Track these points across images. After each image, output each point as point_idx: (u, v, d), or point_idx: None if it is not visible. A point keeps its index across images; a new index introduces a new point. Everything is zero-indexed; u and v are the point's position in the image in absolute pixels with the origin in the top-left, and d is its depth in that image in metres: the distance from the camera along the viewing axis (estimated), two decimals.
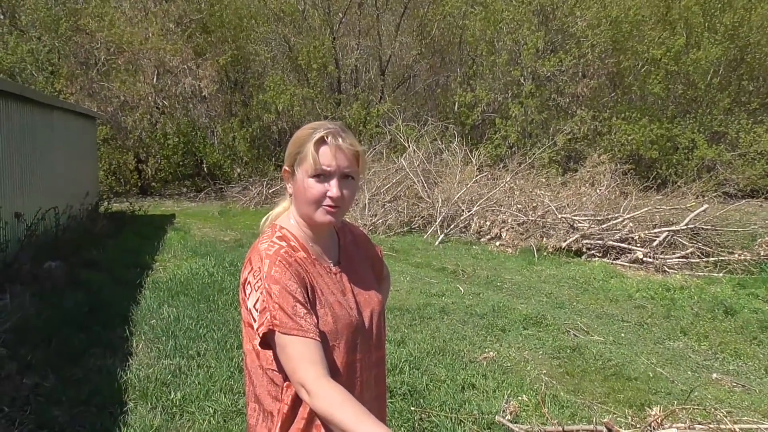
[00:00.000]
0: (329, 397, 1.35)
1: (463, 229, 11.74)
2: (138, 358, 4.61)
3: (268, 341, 1.44)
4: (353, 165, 1.51)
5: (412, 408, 3.91)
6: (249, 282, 1.47)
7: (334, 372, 1.45)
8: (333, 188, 1.49)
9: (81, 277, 6.82)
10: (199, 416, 3.72)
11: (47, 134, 8.79)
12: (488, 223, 11.54)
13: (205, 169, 19.44)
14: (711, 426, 3.18)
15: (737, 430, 3.09)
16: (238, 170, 19.08)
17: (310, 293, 1.47)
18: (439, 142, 15.11)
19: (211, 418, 3.69)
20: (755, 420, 3.48)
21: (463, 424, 3.73)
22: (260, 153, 19.64)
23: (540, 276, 8.46)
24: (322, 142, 1.49)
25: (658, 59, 19.51)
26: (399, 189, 13.13)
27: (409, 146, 14.24)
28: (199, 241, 9.92)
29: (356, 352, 1.54)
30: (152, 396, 3.95)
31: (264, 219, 1.68)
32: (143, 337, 5.03)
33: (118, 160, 17.96)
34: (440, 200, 12.19)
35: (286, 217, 1.61)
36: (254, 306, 1.44)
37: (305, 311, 1.43)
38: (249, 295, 1.46)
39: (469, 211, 11.80)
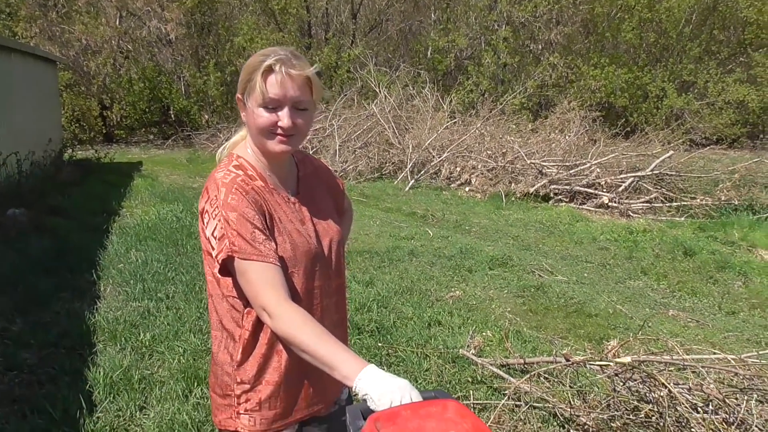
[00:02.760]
0: (291, 319, 1.37)
1: (434, 175, 11.80)
2: (106, 302, 4.61)
3: (227, 268, 1.45)
4: (305, 93, 1.48)
5: (380, 344, 4.01)
6: (206, 211, 1.47)
7: (294, 298, 1.46)
8: (284, 118, 1.46)
9: (46, 223, 6.72)
10: (169, 356, 3.77)
11: (5, 78, 8.49)
12: (458, 168, 11.61)
13: (173, 115, 19.01)
14: (664, 356, 3.33)
15: (688, 359, 3.23)
16: (207, 116, 18.71)
17: (268, 220, 1.48)
18: (411, 88, 14.98)
19: (181, 357, 3.74)
20: (706, 350, 3.64)
21: (428, 359, 3.85)
22: (230, 98, 19.26)
23: (507, 220, 8.58)
24: (270, 70, 1.44)
25: (632, 6, 19.43)
26: (370, 135, 13.06)
27: (380, 92, 14.10)
28: (167, 188, 9.81)
29: (315, 280, 1.56)
30: (121, 337, 3.97)
31: (221, 148, 1.66)
32: (111, 281, 5.02)
33: (81, 106, 17.44)
34: (411, 146, 12.18)
35: (243, 147, 1.59)
36: (212, 234, 1.44)
37: (264, 237, 1.43)
38: (207, 223, 1.46)
39: (439, 157, 11.84)
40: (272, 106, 1.46)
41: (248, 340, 1.50)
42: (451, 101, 14.55)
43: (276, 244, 1.47)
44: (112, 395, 3.26)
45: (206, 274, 1.56)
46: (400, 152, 12.41)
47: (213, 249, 1.44)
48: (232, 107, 18.52)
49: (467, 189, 10.89)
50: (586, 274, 6.10)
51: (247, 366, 1.51)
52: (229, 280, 1.49)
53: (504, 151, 11.58)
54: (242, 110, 1.53)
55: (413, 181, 11.22)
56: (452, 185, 11.29)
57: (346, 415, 1.35)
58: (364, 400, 1.33)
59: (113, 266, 5.38)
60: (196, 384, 3.41)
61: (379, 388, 1.30)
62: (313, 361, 1.37)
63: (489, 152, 11.71)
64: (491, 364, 3.71)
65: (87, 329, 4.11)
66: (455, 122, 13.41)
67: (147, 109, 18.75)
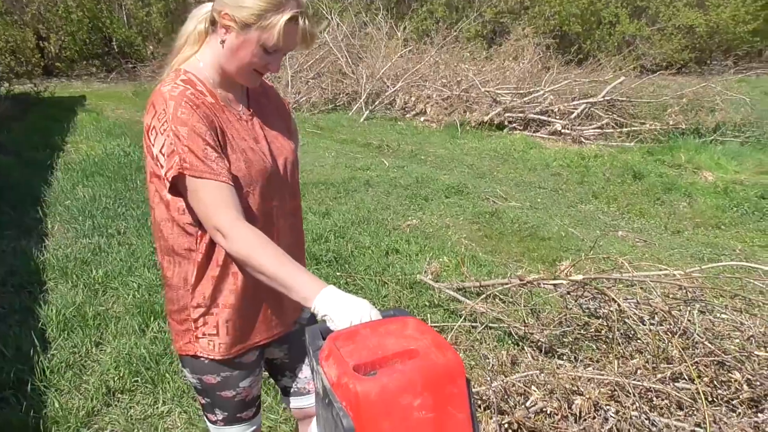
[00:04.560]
0: (247, 240, 1.34)
1: (389, 106, 11.66)
2: (54, 239, 4.48)
3: (177, 188, 1.38)
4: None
5: (338, 273, 4.03)
6: (153, 127, 1.37)
7: (251, 218, 1.42)
8: (276, 64, 1.44)
9: None
10: (123, 291, 3.71)
11: None
12: (413, 98, 11.48)
13: (115, 47, 18.07)
14: (613, 273, 3.44)
15: (636, 275, 3.35)
16: (152, 48, 17.84)
17: (220, 137, 1.40)
18: (364, 15, 14.57)
19: (136, 293, 3.69)
20: (653, 267, 3.79)
21: (387, 285, 3.89)
22: (176, 28, 18.35)
23: (463, 149, 8.60)
24: (295, 21, 1.37)
25: None
26: (322, 65, 12.73)
27: (332, 19, 13.67)
28: (113, 122, 9.43)
29: (271, 199, 1.51)
30: (72, 274, 3.88)
31: (168, 68, 1.55)
32: (58, 218, 4.86)
33: (15, 37, 16.37)
34: (365, 76, 11.94)
35: (194, 61, 1.49)
36: (161, 151, 1.36)
37: (216, 155, 1.37)
38: (154, 140, 1.37)
39: (394, 87, 11.66)
40: (273, 51, 1.40)
41: (201, 263, 1.46)
42: (405, 29, 14.23)
43: (229, 163, 1.40)
44: (66, 332, 3.21)
45: (151, 199, 1.48)
46: (354, 82, 12.17)
47: (162, 167, 1.36)
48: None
49: (422, 119, 10.82)
50: (539, 200, 6.21)
51: (202, 289, 1.48)
52: (180, 202, 1.42)
53: (459, 79, 11.48)
54: (228, 30, 1.40)
55: (368, 111, 11.07)
56: (407, 115, 11.19)
57: (306, 335, 1.35)
58: (324, 321, 1.33)
59: (59, 203, 5.20)
60: (152, 318, 3.38)
61: (339, 307, 1.29)
62: (271, 283, 1.35)
63: (444, 81, 11.59)
64: (448, 288, 3.78)
65: (36, 267, 3.99)
66: (409, 51, 13.17)
67: (87, 40, 17.71)
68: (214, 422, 1.64)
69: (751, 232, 5.51)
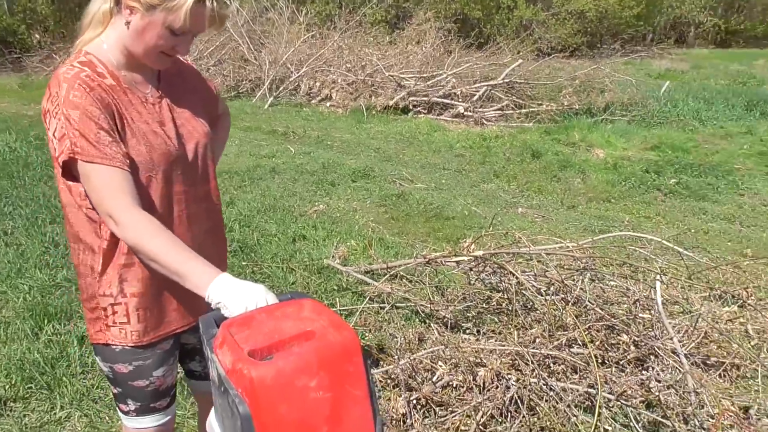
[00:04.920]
0: (139, 227, 1.31)
1: (293, 92, 11.51)
2: None
3: (72, 172, 1.35)
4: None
5: (244, 262, 3.97)
6: (48, 110, 1.34)
7: (149, 205, 1.40)
8: (184, 47, 1.40)
9: None
10: (13, 294, 3.49)
11: None
12: (318, 84, 11.39)
13: None
14: (512, 248, 3.59)
15: (533, 249, 3.51)
16: (38, 36, 16.67)
17: (117, 122, 1.36)
18: (264, 0, 14.27)
19: (27, 295, 3.48)
20: (550, 240, 3.98)
21: (294, 272, 3.88)
22: (63, 16, 17.23)
23: (369, 133, 8.65)
24: (202, 2, 1.33)
25: None
26: (223, 52, 12.39)
27: (231, 4, 13.27)
28: None
29: (176, 185, 1.48)
30: None
31: (74, 49, 1.48)
32: None
33: None
34: (268, 62, 11.72)
35: (97, 43, 1.43)
36: (54, 134, 1.32)
37: (111, 139, 1.33)
38: (49, 124, 1.33)
39: (297, 73, 11.53)
40: (180, 33, 1.36)
41: (107, 252, 1.43)
42: (307, 14, 14.07)
43: (128, 147, 1.37)
44: None
45: (58, 182, 1.43)
46: (257, 69, 11.91)
47: (55, 151, 1.33)
48: (66, 25, 16.63)
49: (328, 104, 10.77)
50: (443, 181, 6.35)
51: (108, 277, 1.45)
52: (81, 187, 1.38)
53: (363, 64, 11.49)
54: (133, 11, 1.35)
55: (272, 98, 10.89)
56: (313, 101, 11.09)
57: (199, 324, 1.33)
58: (218, 309, 1.31)
59: None
60: (46, 321, 3.20)
61: (232, 294, 1.28)
62: (163, 271, 1.33)
63: (348, 66, 11.57)
64: (356, 271, 3.81)
65: None
66: (312, 36, 13.04)
67: None
68: (126, 413, 1.60)
69: (637, 205, 5.89)
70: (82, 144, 1.30)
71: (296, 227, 4.63)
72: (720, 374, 2.99)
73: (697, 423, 2.58)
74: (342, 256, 4.08)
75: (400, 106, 10.30)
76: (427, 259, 3.44)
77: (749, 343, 3.28)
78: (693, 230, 5.25)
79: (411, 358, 2.71)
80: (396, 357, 2.78)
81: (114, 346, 1.50)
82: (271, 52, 12.01)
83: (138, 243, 1.32)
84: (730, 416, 2.63)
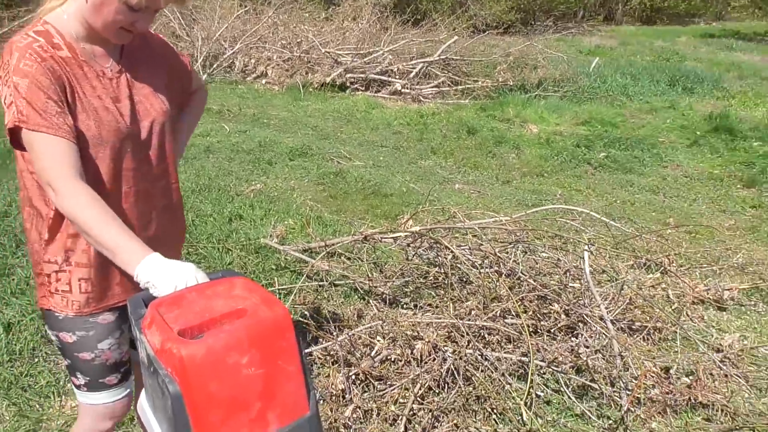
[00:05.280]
0: (75, 198, 1.31)
1: (228, 69, 11.22)
2: None
3: (20, 141, 1.34)
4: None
5: None
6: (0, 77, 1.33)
7: (95, 179, 1.40)
8: (143, 23, 1.38)
9: None
10: None
11: None
12: (253, 60, 11.15)
13: None
14: (448, 223, 3.65)
15: (468, 223, 3.58)
16: None
17: (68, 95, 1.35)
18: None
19: None
20: (485, 213, 4.07)
21: (231, 252, 3.83)
22: None
23: (306, 111, 8.56)
24: None
25: None
26: (154, 28, 11.92)
27: None
28: None
29: (126, 161, 1.47)
30: None
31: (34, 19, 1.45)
32: None
33: None
34: (200, 38, 11.37)
35: (58, 13, 1.40)
36: (3, 101, 1.32)
37: (58, 110, 1.31)
38: (0, 91, 1.33)
39: (232, 50, 11.25)
40: (138, 9, 1.33)
41: (54, 220, 1.43)
42: None
43: (77, 121, 1.36)
44: None
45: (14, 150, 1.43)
46: (189, 45, 11.54)
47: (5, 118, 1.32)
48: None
49: (264, 81, 10.57)
50: (381, 158, 6.37)
51: (54, 246, 1.46)
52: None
53: (299, 41, 11.31)
54: None
55: (206, 75, 10.59)
56: (248, 78, 10.86)
57: (128, 305, 1.31)
58: (147, 289, 1.29)
59: None
60: None
61: (161, 273, 1.27)
62: (95, 245, 1.34)
63: (284, 43, 11.37)
64: (294, 250, 3.80)
65: None
66: (246, 11, 12.72)
67: None
68: (78, 387, 1.60)
69: (568, 178, 6.08)
70: (29, 112, 1.29)
71: (232, 207, 4.56)
72: (644, 338, 3.15)
73: (622, 385, 2.72)
74: (280, 235, 4.06)
75: (337, 83, 10.22)
76: (364, 236, 3.46)
77: (670, 307, 3.46)
78: (620, 202, 5.46)
79: (349, 334, 2.74)
80: (335, 334, 2.79)
81: (57, 314, 1.51)
82: (203, 29, 11.65)
83: (72, 213, 1.31)
84: (652, 376, 2.78)
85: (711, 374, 2.93)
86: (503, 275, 3.18)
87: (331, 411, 2.55)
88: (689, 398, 2.76)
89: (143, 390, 1.31)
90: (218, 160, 5.81)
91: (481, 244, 3.45)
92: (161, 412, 1.19)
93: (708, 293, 3.68)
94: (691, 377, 2.90)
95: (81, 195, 1.31)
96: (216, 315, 1.21)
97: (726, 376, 2.96)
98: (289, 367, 1.23)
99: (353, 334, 2.75)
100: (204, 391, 1.11)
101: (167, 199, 1.62)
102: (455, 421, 2.46)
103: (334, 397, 2.62)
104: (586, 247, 3.27)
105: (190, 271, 1.30)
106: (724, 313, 3.63)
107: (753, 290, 3.85)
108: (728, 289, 3.71)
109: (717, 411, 2.73)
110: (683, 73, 11.56)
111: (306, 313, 3.26)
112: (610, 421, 2.62)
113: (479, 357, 2.73)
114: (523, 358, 2.77)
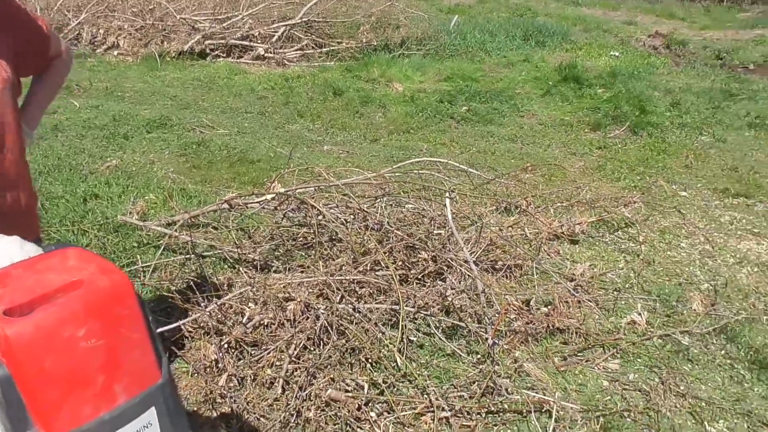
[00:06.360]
0: None
1: (74, 41, 10.35)
2: None
3: None
4: None
5: None
6: None
7: None
8: None
9: None
10: None
11: None
12: (102, 31, 10.37)
13: None
14: (313, 182, 3.65)
15: (333, 181, 3.60)
16: None
17: None
18: None
19: None
20: (354, 171, 4.11)
21: (87, 233, 3.60)
22: None
23: (164, 81, 8.12)
24: None
25: None
26: None
27: None
28: None
29: None
30: None
31: None
32: None
33: None
34: (38, 8, 10.37)
35: None
36: None
37: None
38: None
39: (77, 20, 10.38)
40: None
41: None
42: None
43: None
44: None
45: None
46: None
47: None
48: None
49: (116, 53, 9.87)
50: (246, 124, 6.20)
51: None
52: None
53: (151, 7, 10.63)
54: None
55: None
56: (98, 50, 10.08)
57: None
58: None
59: None
60: None
61: None
62: None
63: (134, 10, 10.64)
64: (156, 225, 3.64)
65: None
66: None
67: None
68: None
69: (433, 133, 6.25)
70: None
71: (86, 186, 4.27)
72: (505, 275, 3.35)
73: (487, 321, 2.88)
74: (140, 211, 3.87)
75: (197, 50, 9.75)
76: (228, 203, 3.38)
77: (529, 244, 3.69)
78: (482, 152, 5.70)
79: (218, 303, 2.68)
80: (203, 305, 2.73)
81: None
82: None
83: None
84: (514, 310, 2.97)
85: (566, 302, 3.17)
86: (371, 229, 3.24)
87: (206, 383, 2.51)
88: (548, 325, 2.98)
89: None
90: (68, 138, 5.39)
91: (349, 202, 3.48)
92: None
93: (562, 229, 3.96)
94: (548, 306, 3.13)
95: None
96: (49, 290, 1.13)
97: (579, 302, 3.23)
98: (134, 335, 1.18)
99: (223, 303, 2.70)
100: (37, 370, 1.04)
101: (16, 171, 1.51)
102: (332, 376, 2.50)
103: (207, 369, 2.57)
104: (447, 195, 3.39)
105: (14, 245, 1.21)
106: (577, 246, 3.93)
107: (600, 223, 4.18)
108: (579, 224, 4.01)
109: (572, 334, 2.97)
110: (536, 28, 12.12)
111: (173, 287, 3.15)
112: (479, 356, 2.77)
113: (352, 311, 2.78)
114: (394, 307, 2.85)
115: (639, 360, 2.84)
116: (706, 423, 2.47)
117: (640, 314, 3.16)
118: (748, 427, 2.47)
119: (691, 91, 7.99)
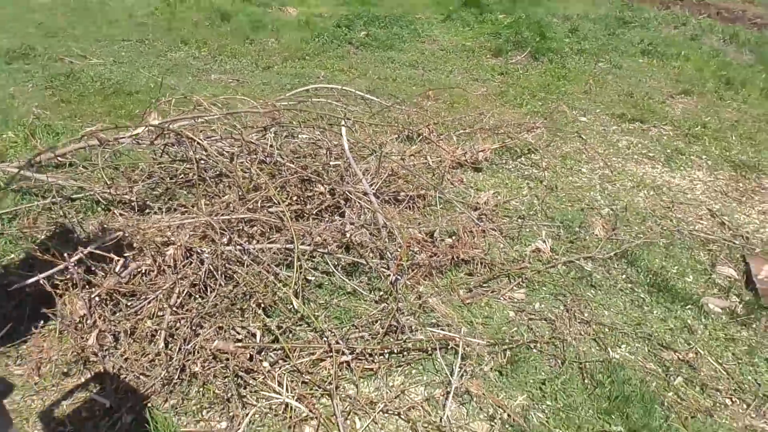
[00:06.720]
0: None
1: None
2: None
3: None
4: None
5: None
6: None
7: None
8: None
9: None
10: None
11: None
12: None
13: None
14: (193, 113, 3.28)
15: (216, 111, 3.26)
16: None
17: None
18: None
19: None
20: (243, 100, 3.76)
21: None
22: None
23: (29, 6, 7.20)
24: None
25: None
26: None
27: None
28: None
29: None
30: None
31: None
32: None
33: None
34: None
35: None
36: None
37: None
38: None
39: None
40: None
41: None
42: None
43: None
44: None
45: None
46: None
47: None
48: None
49: None
50: (123, 53, 5.60)
51: None
52: None
53: None
54: None
55: None
56: None
57: None
58: None
59: None
60: None
61: None
62: None
63: None
64: (15, 167, 3.17)
65: None
66: None
67: None
68: None
69: (331, 59, 5.90)
70: None
71: None
72: (408, 206, 3.18)
73: (389, 255, 2.71)
74: None
75: None
76: (95, 136, 2.97)
77: (432, 173, 3.53)
78: (383, 78, 5.44)
79: (84, 252, 2.34)
80: (67, 254, 2.38)
81: None
82: None
83: None
84: (417, 243, 2.82)
85: (471, 232, 3.05)
86: (261, 162, 2.95)
87: (75, 341, 2.21)
88: (452, 257, 2.86)
89: None
90: None
91: (236, 134, 3.16)
92: None
93: (465, 156, 3.82)
94: (453, 237, 3.00)
95: None
96: None
97: (483, 231, 3.12)
98: None
99: (88, 251, 2.36)
100: None
101: None
102: (219, 325, 2.26)
103: (78, 326, 2.27)
104: (343, 122, 3.14)
105: None
106: (480, 173, 3.81)
107: (503, 149, 4.08)
108: (482, 151, 3.89)
109: (477, 264, 2.87)
110: None
111: (38, 237, 2.77)
112: (381, 293, 2.62)
113: (240, 252, 2.52)
114: (289, 246, 2.62)
115: (544, 288, 2.78)
116: (609, 348, 2.45)
117: (544, 242, 3.10)
118: (648, 350, 2.47)
119: (588, 18, 8.01)
